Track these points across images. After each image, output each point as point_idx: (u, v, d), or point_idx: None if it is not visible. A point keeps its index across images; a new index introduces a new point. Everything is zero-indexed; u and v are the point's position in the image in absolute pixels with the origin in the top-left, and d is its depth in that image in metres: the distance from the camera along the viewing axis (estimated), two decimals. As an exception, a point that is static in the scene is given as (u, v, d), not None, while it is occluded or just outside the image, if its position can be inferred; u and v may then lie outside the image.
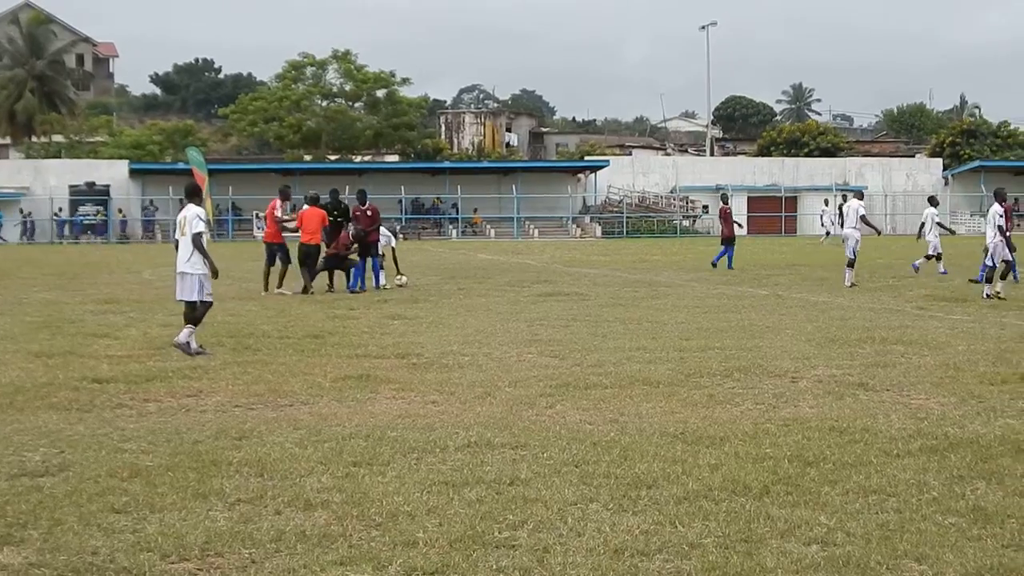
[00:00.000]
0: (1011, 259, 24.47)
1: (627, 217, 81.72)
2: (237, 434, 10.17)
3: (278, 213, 26.94)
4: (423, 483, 8.40)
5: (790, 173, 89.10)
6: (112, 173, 79.42)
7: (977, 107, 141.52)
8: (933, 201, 33.46)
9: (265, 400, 11.98)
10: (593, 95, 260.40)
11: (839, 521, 7.39)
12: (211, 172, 68.02)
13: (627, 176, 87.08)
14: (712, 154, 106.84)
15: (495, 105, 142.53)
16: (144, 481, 8.49)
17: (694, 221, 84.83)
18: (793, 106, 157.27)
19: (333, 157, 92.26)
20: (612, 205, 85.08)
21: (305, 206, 26.85)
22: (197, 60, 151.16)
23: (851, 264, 27.82)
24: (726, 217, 36.25)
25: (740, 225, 36.34)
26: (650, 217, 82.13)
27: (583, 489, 8.21)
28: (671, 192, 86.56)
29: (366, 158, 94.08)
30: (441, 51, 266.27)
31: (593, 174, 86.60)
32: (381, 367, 14.26)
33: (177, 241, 16.36)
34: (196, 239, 15.72)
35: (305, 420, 10.84)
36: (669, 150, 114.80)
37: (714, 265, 34.76)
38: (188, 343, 15.55)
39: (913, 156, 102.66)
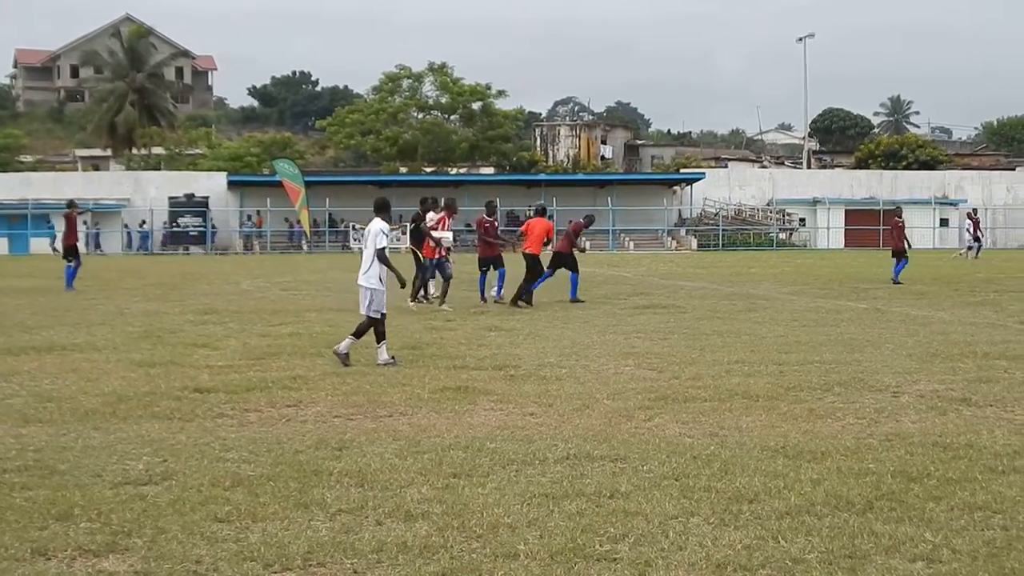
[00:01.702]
0: None
1: (723, 230, 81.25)
2: (337, 444, 10.22)
3: (438, 228, 26.05)
4: (523, 495, 8.39)
5: (888, 186, 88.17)
6: (211, 185, 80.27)
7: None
8: None
9: (364, 411, 12.03)
10: (688, 107, 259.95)
11: (944, 538, 7.29)
12: (307, 184, 69.12)
13: (723, 189, 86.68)
14: (809, 166, 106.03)
15: (590, 117, 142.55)
16: (246, 490, 8.56)
17: (791, 234, 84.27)
18: (891, 118, 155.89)
19: (429, 169, 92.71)
20: (708, 218, 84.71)
21: (531, 215, 27.52)
22: (295, 73, 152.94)
23: None
24: (899, 230, 36.14)
25: (909, 245, 36.35)
26: (746, 230, 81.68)
27: (683, 503, 8.16)
28: (767, 205, 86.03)
29: (462, 170, 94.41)
30: (537, 64, 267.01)
31: (689, 186, 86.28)
32: (479, 379, 14.28)
33: (362, 252, 16.58)
34: (380, 254, 15.77)
35: (404, 431, 10.88)
36: (765, 162, 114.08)
37: (897, 281, 34.22)
38: (347, 354, 15.73)
39: (1014, 169, 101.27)
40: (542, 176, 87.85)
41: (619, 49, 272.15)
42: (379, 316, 15.90)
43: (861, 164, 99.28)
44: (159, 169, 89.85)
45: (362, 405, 12.34)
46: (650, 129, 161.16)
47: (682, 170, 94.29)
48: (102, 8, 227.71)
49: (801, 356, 16.38)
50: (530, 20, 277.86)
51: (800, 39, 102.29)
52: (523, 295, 25.48)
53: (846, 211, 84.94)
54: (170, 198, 77.90)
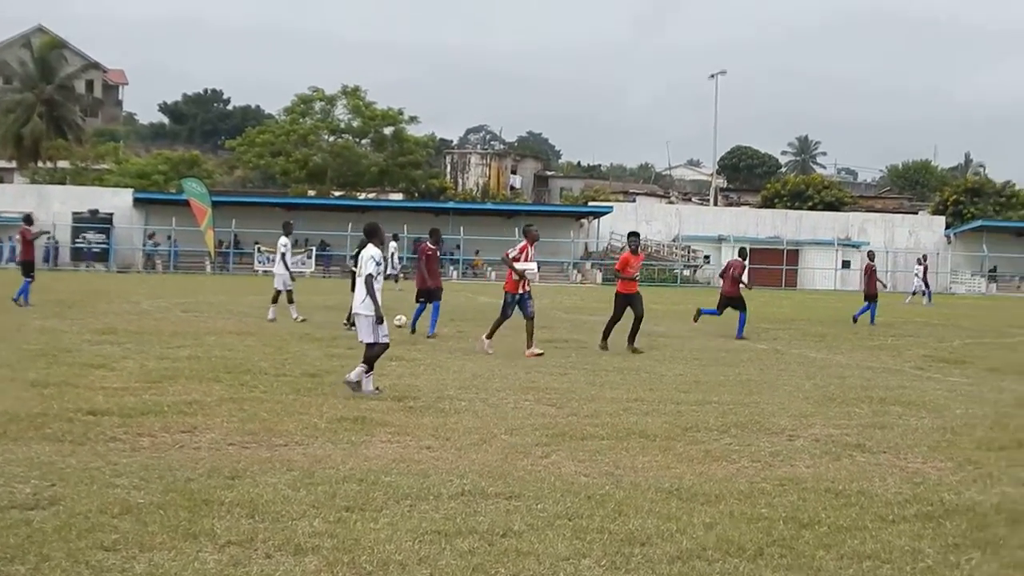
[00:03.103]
0: None
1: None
2: (230, 473, 10.12)
3: (521, 259, 23.04)
4: (415, 531, 8.35)
5: (793, 226, 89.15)
6: (116, 201, 79.32)
7: (982, 166, 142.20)
8: None
9: (260, 439, 11.92)
10: (599, 140, 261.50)
11: (833, 587, 7.34)
12: (214, 204, 68.50)
13: (630, 223, 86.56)
14: (716, 204, 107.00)
15: (501, 147, 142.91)
16: (135, 518, 8.45)
17: (695, 271, 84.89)
18: (798, 158, 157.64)
19: (338, 193, 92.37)
20: (614, 252, 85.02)
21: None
22: (206, 91, 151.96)
23: None
24: (871, 274, 36.87)
25: (884, 285, 37.47)
26: (651, 265, 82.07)
27: (576, 544, 8.16)
28: (673, 241, 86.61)
29: (370, 195, 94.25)
30: (450, 91, 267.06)
31: (596, 220, 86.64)
32: (377, 409, 14.20)
33: (354, 279, 16.39)
34: (367, 281, 15.66)
35: (299, 461, 10.78)
36: (673, 198, 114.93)
37: (855, 320, 35.42)
38: (358, 382, 15.57)
39: (916, 213, 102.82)
40: (451, 204, 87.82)
41: (533, 79, 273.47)
42: (387, 342, 15.82)
43: (767, 203, 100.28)
44: (64, 183, 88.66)
45: (258, 433, 12.22)
46: (560, 160, 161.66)
47: (590, 203, 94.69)
48: (14, 18, 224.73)
49: (699, 396, 16.46)
50: (444, 47, 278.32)
51: (712, 76, 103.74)
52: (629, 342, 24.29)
53: (751, 249, 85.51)
54: (74, 213, 76.91)
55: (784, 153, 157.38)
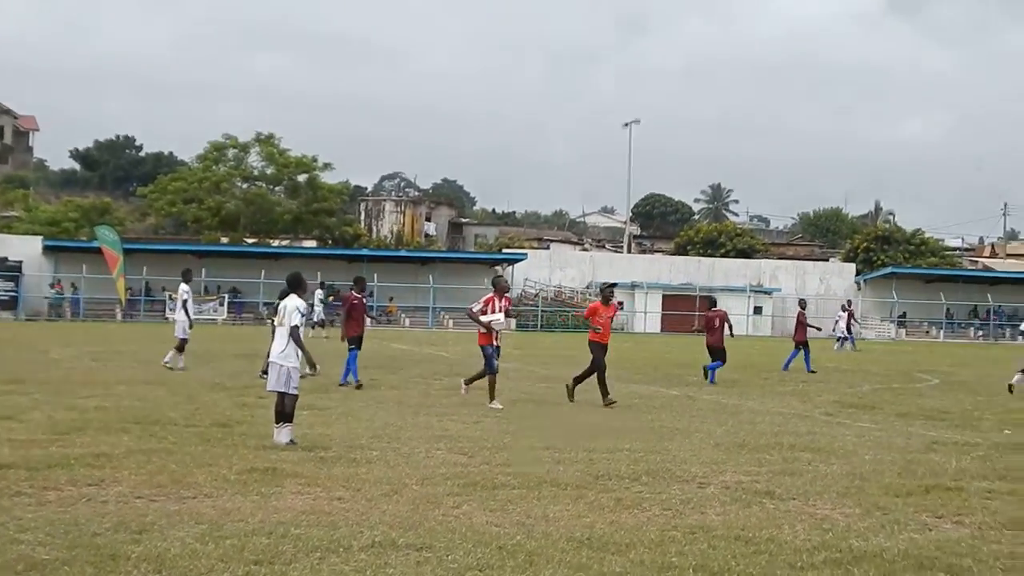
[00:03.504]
0: None
1: (542, 311, 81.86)
2: (137, 527, 9.97)
3: (488, 311, 22.75)
4: (324, 584, 8.29)
5: (706, 273, 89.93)
6: (25, 249, 78.44)
7: (892, 214, 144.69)
8: None
9: (168, 491, 11.76)
10: (514, 187, 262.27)
11: (741, 636, 7.36)
12: (126, 251, 67.88)
13: (544, 270, 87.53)
14: (629, 251, 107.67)
15: (416, 193, 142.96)
16: (39, 575, 8.31)
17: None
18: (711, 206, 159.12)
19: (251, 240, 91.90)
20: (528, 298, 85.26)
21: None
22: (118, 137, 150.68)
23: None
24: (801, 322, 37.82)
25: (819, 328, 38.72)
26: (565, 311, 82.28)
27: (486, 595, 8.14)
28: (587, 287, 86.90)
29: (284, 242, 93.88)
30: (364, 137, 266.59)
31: (511, 267, 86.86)
32: (288, 460, 14.07)
33: (274, 328, 16.24)
34: (293, 332, 15.55)
35: (208, 514, 10.65)
36: (587, 245, 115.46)
37: (785, 367, 36.77)
38: (292, 440, 15.47)
39: (827, 260, 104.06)
40: (365, 251, 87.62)
41: (447, 126, 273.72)
42: (296, 394, 15.71)
43: (680, 250, 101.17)
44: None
45: (166, 486, 12.07)
46: (475, 207, 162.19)
47: (504, 250, 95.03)
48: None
49: (611, 443, 16.47)
50: (360, 95, 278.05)
51: (626, 124, 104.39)
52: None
53: (664, 296, 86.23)
54: (-19, 261, 75.96)
55: (697, 201, 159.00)
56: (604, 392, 22.81)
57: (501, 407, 21.40)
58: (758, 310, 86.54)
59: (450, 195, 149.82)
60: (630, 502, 11.86)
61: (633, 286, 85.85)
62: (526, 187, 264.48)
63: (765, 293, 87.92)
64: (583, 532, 10.27)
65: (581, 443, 16.44)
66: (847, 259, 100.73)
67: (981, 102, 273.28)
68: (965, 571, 9.31)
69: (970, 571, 9.31)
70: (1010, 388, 27.85)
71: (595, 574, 8.78)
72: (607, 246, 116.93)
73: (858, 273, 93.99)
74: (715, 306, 32.38)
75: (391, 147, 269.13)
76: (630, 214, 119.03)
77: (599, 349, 23.50)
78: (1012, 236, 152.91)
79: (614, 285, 26.18)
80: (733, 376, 31.59)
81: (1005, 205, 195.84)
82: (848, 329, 56.29)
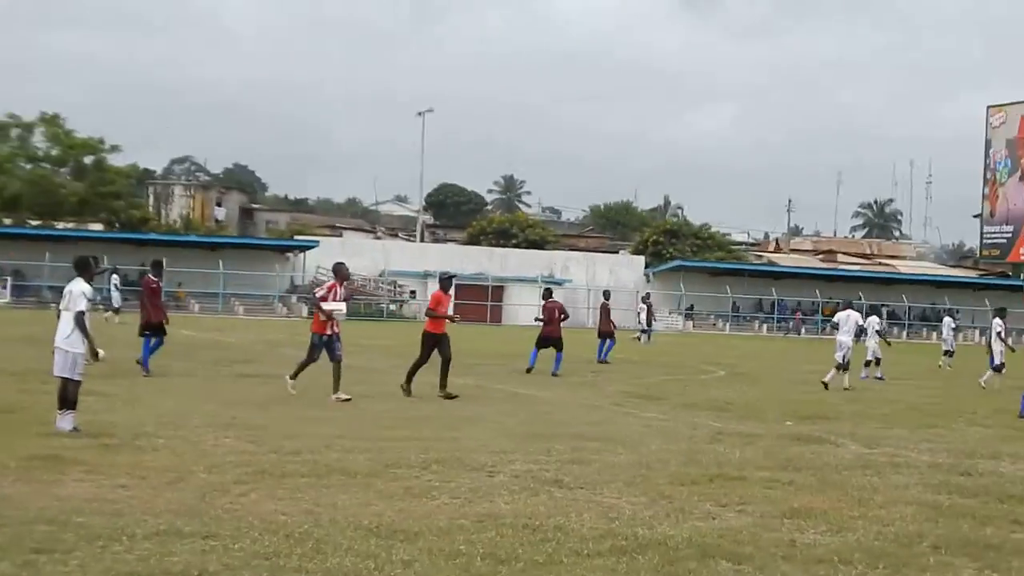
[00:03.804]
0: None
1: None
2: (-90, 516, 9.65)
3: (329, 298, 21.93)
4: (106, 573, 8.12)
5: (498, 263, 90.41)
6: None
7: (680, 208, 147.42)
8: (1001, 313, 34.42)
9: (-56, 479, 11.41)
10: (307, 174, 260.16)
11: (522, 623, 7.41)
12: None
13: (336, 257, 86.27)
14: (423, 240, 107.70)
15: (206, 178, 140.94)
16: None
17: (401, 305, 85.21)
18: (504, 196, 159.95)
19: (35, 222, 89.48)
20: (319, 285, 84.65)
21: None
22: None
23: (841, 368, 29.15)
24: (606, 313, 38.29)
25: (615, 326, 39.17)
26: (357, 300, 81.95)
27: (272, 584, 8.05)
28: (380, 275, 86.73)
29: (69, 225, 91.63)
30: (155, 120, 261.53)
31: (302, 254, 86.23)
32: (71, 446, 13.74)
33: (59, 312, 15.65)
34: (78, 317, 15.04)
35: (-14, 502, 10.36)
36: (380, 234, 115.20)
37: (604, 361, 36.71)
38: (75, 428, 15.03)
39: (617, 252, 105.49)
40: (153, 235, 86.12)
41: (239, 111, 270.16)
42: (79, 380, 15.26)
43: (473, 240, 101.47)
44: None
45: (-58, 473, 11.71)
46: (267, 193, 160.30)
47: (296, 237, 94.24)
48: None
49: (403, 432, 16.46)
50: (149, 76, 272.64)
51: (420, 113, 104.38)
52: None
53: (457, 286, 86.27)
54: None
55: (490, 191, 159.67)
56: (440, 384, 22.64)
57: (349, 397, 20.86)
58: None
59: (242, 181, 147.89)
60: (419, 490, 11.85)
61: (426, 275, 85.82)
62: (319, 175, 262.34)
63: (556, 284, 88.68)
64: (372, 520, 10.23)
65: (372, 432, 16.42)
66: (637, 252, 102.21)
67: (768, 100, 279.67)
68: (747, 558, 9.50)
69: (751, 558, 9.50)
70: (825, 384, 28.62)
71: (383, 562, 8.75)
72: (400, 235, 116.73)
73: (647, 266, 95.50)
74: (551, 297, 32.55)
75: (181, 131, 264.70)
76: (423, 203, 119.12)
77: (435, 339, 23.09)
78: (796, 232, 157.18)
79: (453, 276, 25.72)
80: (525, 366, 31.58)
81: (789, 201, 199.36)
82: (648, 322, 57.29)
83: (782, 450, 16.39)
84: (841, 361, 28.94)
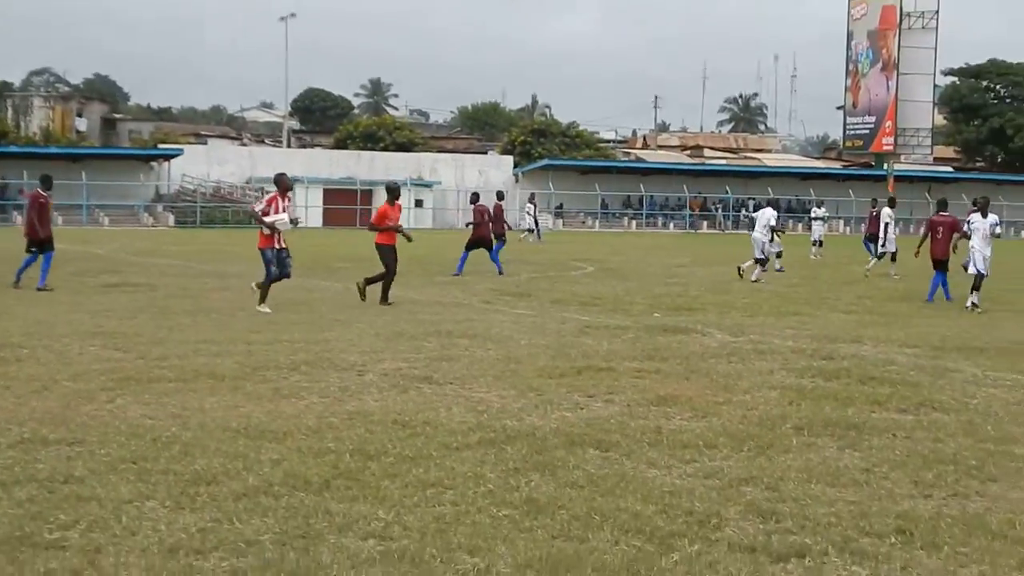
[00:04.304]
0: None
1: (201, 207, 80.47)
2: None
3: (271, 211, 20.56)
4: (-31, 483, 8.03)
5: (366, 166, 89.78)
6: None
7: (548, 107, 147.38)
8: (891, 203, 35.22)
9: None
10: (170, 82, 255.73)
11: (396, 515, 7.48)
12: None
13: (202, 165, 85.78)
14: (289, 146, 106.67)
15: (66, 89, 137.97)
16: None
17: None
18: (371, 100, 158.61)
19: None
20: (186, 194, 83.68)
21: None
22: None
23: (760, 263, 30.27)
24: (499, 214, 35.86)
25: (509, 227, 37.79)
26: (225, 207, 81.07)
27: (140, 486, 8.03)
28: (247, 183, 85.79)
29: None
30: (9, 30, 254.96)
31: (167, 162, 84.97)
32: (-69, 360, 13.56)
33: None
34: None
35: None
36: (246, 140, 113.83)
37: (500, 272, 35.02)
38: None
39: (486, 153, 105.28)
40: (12, 148, 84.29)
41: (99, 18, 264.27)
42: None
43: (340, 144, 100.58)
44: None
45: None
46: (129, 103, 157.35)
47: (160, 146, 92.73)
48: None
49: (270, 335, 16.41)
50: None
51: (282, 18, 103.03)
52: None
53: (324, 191, 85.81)
54: None
55: (357, 95, 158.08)
56: (384, 297, 22.19)
57: (269, 311, 19.92)
58: (419, 203, 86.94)
59: (103, 91, 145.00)
60: (288, 391, 11.87)
61: (294, 180, 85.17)
62: (182, 83, 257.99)
63: (425, 186, 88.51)
64: (240, 422, 10.23)
65: (239, 336, 16.36)
66: (505, 152, 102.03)
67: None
68: (614, 446, 9.66)
69: (618, 445, 9.66)
70: (739, 271, 30.58)
71: (252, 462, 8.76)
72: (267, 141, 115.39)
73: (516, 166, 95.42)
74: (478, 200, 32.12)
75: (39, 42, 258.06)
76: (289, 109, 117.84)
77: (391, 252, 22.70)
78: (663, 128, 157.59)
79: (399, 185, 24.21)
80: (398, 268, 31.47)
81: (656, 98, 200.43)
82: (536, 221, 57.62)
83: (649, 341, 16.64)
84: (761, 255, 29.80)
